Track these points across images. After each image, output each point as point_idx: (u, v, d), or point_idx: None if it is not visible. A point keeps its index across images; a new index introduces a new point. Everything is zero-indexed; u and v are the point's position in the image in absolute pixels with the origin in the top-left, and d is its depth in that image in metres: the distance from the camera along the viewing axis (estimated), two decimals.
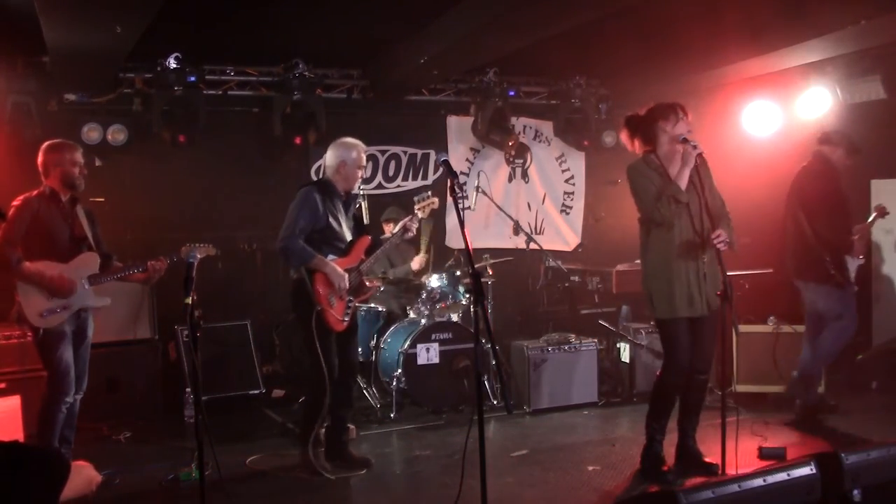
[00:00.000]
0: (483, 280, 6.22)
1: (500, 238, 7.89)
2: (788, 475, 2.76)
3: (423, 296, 6.52)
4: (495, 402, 6.48)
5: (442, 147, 7.92)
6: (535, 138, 8.37)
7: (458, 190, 3.84)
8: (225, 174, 7.24)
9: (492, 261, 6.84)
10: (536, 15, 5.20)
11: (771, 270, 6.62)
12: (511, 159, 8.22)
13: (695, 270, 4.55)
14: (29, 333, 4.78)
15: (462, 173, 7.99)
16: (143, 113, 6.75)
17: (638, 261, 4.92)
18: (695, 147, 4.48)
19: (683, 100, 4.76)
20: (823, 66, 6.68)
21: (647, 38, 6.34)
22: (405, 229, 5.14)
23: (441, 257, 7.35)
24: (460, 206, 3.92)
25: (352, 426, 5.61)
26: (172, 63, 6.48)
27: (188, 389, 6.25)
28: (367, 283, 5.15)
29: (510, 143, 7.83)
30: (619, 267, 6.94)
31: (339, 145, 5.03)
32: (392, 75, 7.16)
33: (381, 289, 6.80)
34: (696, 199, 4.55)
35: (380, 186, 7.78)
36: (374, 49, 6.93)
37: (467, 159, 8.09)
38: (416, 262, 7.01)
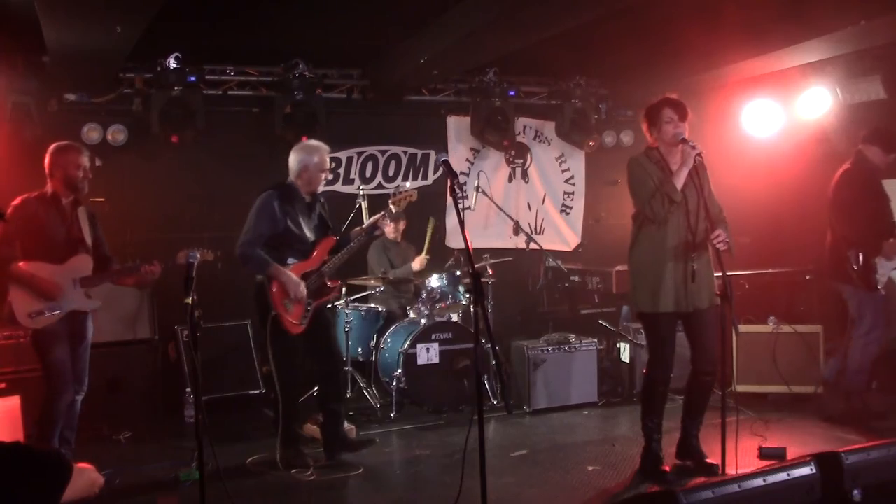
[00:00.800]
0: (483, 280, 6.21)
1: (500, 238, 7.90)
2: (788, 475, 2.75)
3: (423, 296, 6.52)
4: (495, 402, 6.48)
5: (442, 147, 7.92)
6: (535, 138, 8.37)
7: (458, 190, 3.85)
8: (225, 174, 7.21)
9: (492, 261, 6.84)
10: (536, 15, 5.21)
11: (770, 270, 6.58)
12: (511, 159, 8.22)
13: (682, 269, 4.54)
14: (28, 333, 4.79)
15: (462, 173, 7.99)
16: (142, 113, 6.74)
17: None
18: (693, 147, 4.49)
19: (683, 100, 4.76)
20: (823, 66, 6.68)
21: (647, 38, 6.35)
22: (374, 226, 5.14)
23: (441, 257, 7.35)
24: (460, 206, 3.93)
25: (352, 426, 5.61)
26: (172, 63, 6.49)
27: (188, 389, 6.26)
28: (330, 284, 5.14)
29: (505, 144, 7.83)
30: (619, 267, 6.92)
31: (302, 149, 5.05)
32: (392, 75, 7.16)
33: (381, 289, 6.81)
34: (694, 196, 4.55)
35: (380, 186, 7.77)
36: (374, 49, 6.93)
37: (467, 159, 8.09)
38: (418, 263, 7.00)
